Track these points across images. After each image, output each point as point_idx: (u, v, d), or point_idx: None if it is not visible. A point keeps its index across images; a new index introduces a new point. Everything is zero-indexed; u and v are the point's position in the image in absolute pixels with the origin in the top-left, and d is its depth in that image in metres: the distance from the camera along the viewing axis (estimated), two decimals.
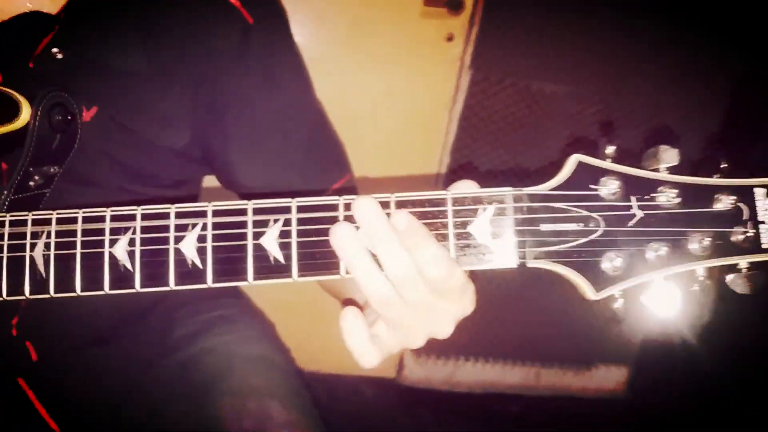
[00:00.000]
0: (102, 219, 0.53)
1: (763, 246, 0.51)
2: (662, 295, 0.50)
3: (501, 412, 2.04)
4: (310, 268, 0.50)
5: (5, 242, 0.56)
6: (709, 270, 0.51)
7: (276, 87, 0.77)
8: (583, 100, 1.81)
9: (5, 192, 0.62)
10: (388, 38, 1.68)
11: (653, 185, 0.49)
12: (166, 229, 0.52)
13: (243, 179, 0.80)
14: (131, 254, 0.52)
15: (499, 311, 1.97)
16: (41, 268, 0.55)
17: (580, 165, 0.49)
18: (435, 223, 0.49)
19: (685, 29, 1.78)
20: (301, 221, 0.50)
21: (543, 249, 0.48)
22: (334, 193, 0.53)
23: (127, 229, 0.52)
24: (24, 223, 0.56)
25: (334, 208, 0.50)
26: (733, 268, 0.52)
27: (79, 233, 0.54)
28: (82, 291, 0.54)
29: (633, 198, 0.49)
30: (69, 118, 0.63)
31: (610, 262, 0.49)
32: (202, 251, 0.51)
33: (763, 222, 0.51)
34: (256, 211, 0.51)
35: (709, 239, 0.49)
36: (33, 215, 0.56)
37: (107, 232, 0.53)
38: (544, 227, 0.48)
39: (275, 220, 0.51)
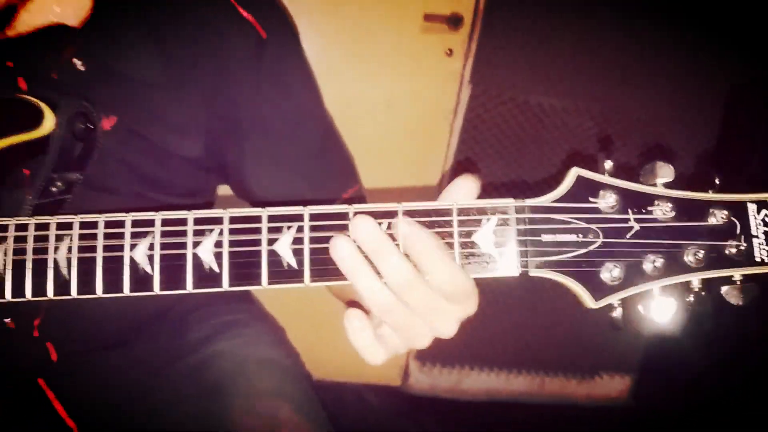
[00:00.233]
0: (122, 224, 0.55)
1: (756, 259, 0.52)
2: (659, 304, 0.52)
3: (506, 420, 2.05)
4: (322, 273, 0.52)
5: (29, 245, 0.58)
6: (704, 281, 0.53)
7: (287, 99, 0.80)
8: (581, 114, 1.83)
9: (30, 197, 0.64)
10: (389, 53, 1.70)
11: (650, 199, 0.51)
12: (184, 234, 0.53)
13: (254, 188, 0.81)
14: (150, 258, 0.54)
15: (504, 321, 1.98)
16: (64, 270, 0.57)
17: (580, 178, 0.51)
18: (441, 232, 0.50)
19: (682, 42, 1.80)
20: (313, 228, 0.52)
21: (544, 259, 0.50)
22: (344, 203, 0.55)
23: (146, 234, 0.54)
24: (47, 227, 0.57)
25: (344, 216, 0.52)
26: (727, 280, 0.53)
27: (100, 237, 0.55)
28: (103, 293, 0.55)
29: (630, 211, 0.50)
30: (90, 126, 0.65)
31: (609, 272, 0.50)
32: (218, 256, 0.53)
33: (756, 236, 0.52)
34: (271, 219, 0.53)
35: (704, 252, 0.51)
36: (57, 219, 0.57)
37: (128, 236, 0.55)
38: (546, 238, 0.50)
39: (289, 227, 0.52)
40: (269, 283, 0.52)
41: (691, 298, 0.53)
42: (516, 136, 1.84)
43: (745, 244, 0.51)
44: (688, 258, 0.51)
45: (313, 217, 0.52)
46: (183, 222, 0.54)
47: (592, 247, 0.50)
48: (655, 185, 0.52)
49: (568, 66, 1.78)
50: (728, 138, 1.86)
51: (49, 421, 0.79)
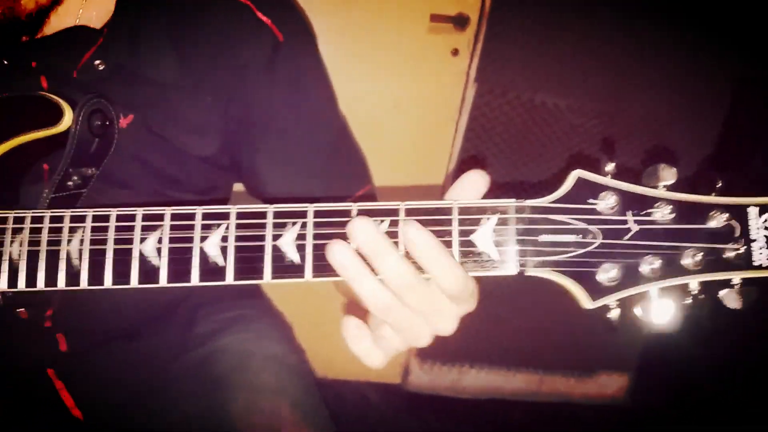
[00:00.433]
0: (133, 218, 0.56)
1: (755, 263, 0.52)
2: (656, 306, 0.52)
3: (505, 417, 2.06)
4: (323, 269, 0.52)
5: (44, 236, 0.59)
6: (702, 284, 0.52)
7: (302, 100, 0.81)
8: (584, 113, 1.84)
9: (46, 190, 0.65)
10: (395, 52, 1.71)
11: (650, 201, 0.51)
12: (192, 228, 0.54)
13: (268, 187, 0.82)
14: (159, 251, 0.55)
15: (503, 320, 2.00)
16: (76, 261, 0.58)
17: (580, 180, 0.51)
18: (441, 230, 0.51)
19: (683, 42, 1.78)
20: (316, 225, 0.53)
21: (542, 258, 0.50)
22: (355, 201, 0.55)
23: (156, 228, 0.55)
24: (62, 219, 0.59)
25: (347, 214, 0.52)
26: (726, 284, 0.53)
27: (111, 230, 0.57)
28: (112, 284, 0.57)
29: (629, 213, 0.50)
30: (107, 123, 0.66)
31: (606, 273, 0.50)
32: (224, 250, 0.53)
33: (755, 240, 0.52)
34: (276, 215, 0.53)
35: (702, 255, 0.51)
36: (71, 212, 0.59)
37: (138, 230, 0.56)
38: (544, 238, 0.50)
39: (293, 224, 0.53)
40: (273, 278, 0.53)
41: (689, 300, 0.53)
42: (521, 135, 1.84)
43: (744, 248, 0.51)
44: (687, 261, 0.51)
45: (317, 214, 0.53)
46: (191, 217, 0.55)
47: (590, 248, 0.50)
48: (656, 188, 0.52)
49: (573, 66, 1.78)
50: (729, 138, 1.86)
51: (56, 410, 0.81)
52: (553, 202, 0.51)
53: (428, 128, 1.82)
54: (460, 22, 1.69)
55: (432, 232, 0.50)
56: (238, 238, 0.54)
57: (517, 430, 2.03)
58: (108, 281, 0.56)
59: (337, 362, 1.60)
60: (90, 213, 0.58)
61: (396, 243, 0.50)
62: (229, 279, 0.54)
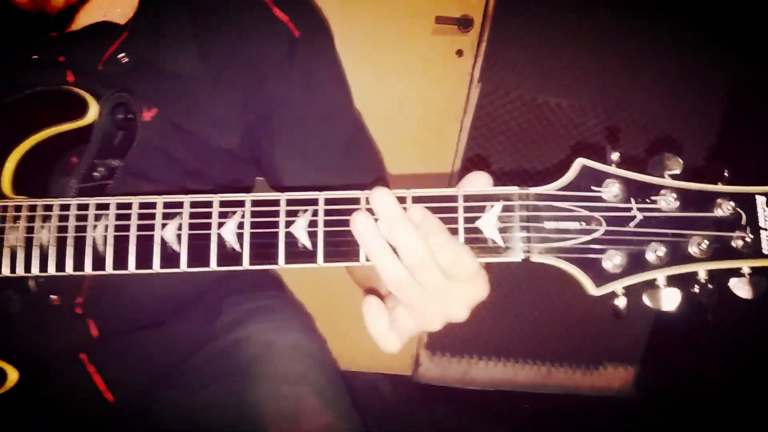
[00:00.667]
0: (154, 206, 0.58)
1: (764, 251, 0.52)
2: (664, 294, 0.52)
3: (513, 408, 2.08)
4: (334, 254, 0.54)
5: (71, 224, 0.62)
6: (710, 273, 0.52)
7: (318, 95, 0.82)
8: (585, 112, 1.88)
9: (73, 181, 0.68)
10: (401, 54, 1.74)
11: (654, 189, 0.51)
12: (210, 216, 0.56)
13: (285, 180, 0.84)
14: (179, 237, 0.57)
15: (511, 313, 2.05)
16: (101, 247, 0.60)
17: (585, 168, 0.51)
18: (447, 218, 0.52)
19: (683, 43, 1.81)
20: (327, 212, 0.54)
21: (547, 245, 0.51)
22: None
23: (176, 215, 0.57)
24: (87, 207, 0.61)
25: (356, 201, 0.54)
26: (735, 273, 0.52)
27: (134, 218, 0.59)
28: (135, 268, 0.59)
29: (633, 200, 0.50)
30: (130, 116, 0.68)
31: (611, 260, 0.51)
32: (240, 237, 0.55)
33: (764, 228, 0.51)
34: (288, 203, 0.55)
35: (708, 242, 0.51)
36: (96, 201, 0.61)
37: (159, 217, 0.58)
38: (549, 225, 0.51)
39: (304, 211, 0.55)
40: (286, 263, 0.55)
41: (697, 289, 0.52)
42: (524, 134, 1.88)
43: (752, 236, 0.51)
44: (693, 248, 0.51)
45: (328, 201, 0.54)
46: (209, 204, 0.57)
47: (594, 235, 0.51)
48: (662, 177, 0.52)
49: (574, 66, 1.82)
50: (728, 138, 1.86)
51: (89, 393, 0.83)
52: (558, 189, 0.51)
53: (433, 127, 1.85)
54: (464, 23, 1.71)
55: (439, 219, 0.51)
56: (253, 225, 0.55)
57: (525, 420, 2.05)
58: (131, 266, 0.59)
59: (350, 354, 1.63)
60: (113, 201, 0.60)
61: None
62: (245, 264, 0.55)
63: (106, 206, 0.60)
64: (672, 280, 0.52)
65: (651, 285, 0.52)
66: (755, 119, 1.81)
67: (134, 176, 0.75)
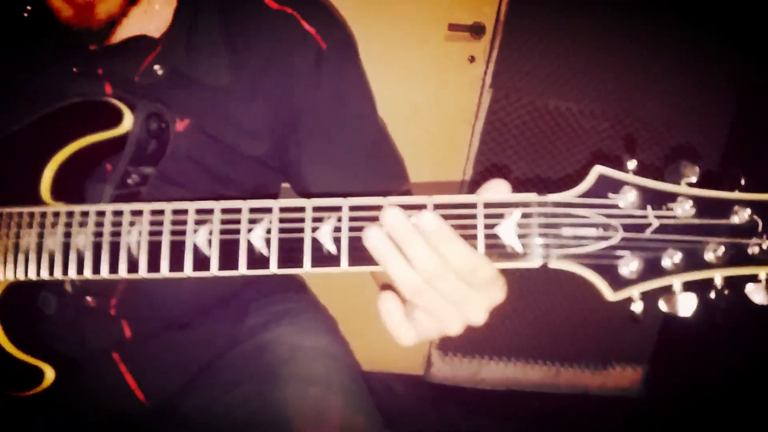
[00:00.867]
0: (186, 212, 0.61)
1: None
2: (680, 300, 0.52)
3: (523, 407, 2.09)
4: (358, 259, 0.55)
5: (106, 229, 0.64)
6: (726, 279, 0.53)
7: (344, 104, 0.84)
8: (596, 116, 1.89)
9: (108, 187, 0.71)
10: (415, 60, 1.77)
11: (671, 197, 0.52)
12: (239, 222, 0.58)
13: (312, 187, 0.86)
14: (210, 242, 0.59)
15: (521, 314, 2.07)
16: (135, 252, 0.62)
17: (601, 176, 0.52)
18: (467, 224, 0.53)
19: (692, 47, 1.82)
20: (351, 219, 0.56)
21: (565, 251, 0.52)
22: None
23: (207, 221, 0.59)
24: (122, 213, 0.64)
25: (380, 208, 0.55)
26: (752, 279, 0.53)
27: (167, 223, 0.61)
28: (168, 272, 0.61)
29: (650, 207, 0.51)
30: (163, 126, 0.71)
31: (627, 266, 0.52)
32: (268, 242, 0.57)
33: None
34: (314, 209, 0.57)
35: (724, 249, 0.51)
36: (130, 207, 0.63)
37: (191, 223, 0.60)
38: (567, 231, 0.52)
39: (329, 217, 0.56)
40: (311, 267, 0.56)
41: (713, 295, 0.53)
42: (535, 138, 1.90)
43: None
44: (709, 255, 0.51)
45: (352, 208, 0.56)
46: (239, 211, 0.59)
47: (612, 241, 0.51)
48: (678, 184, 0.52)
49: (584, 71, 1.83)
50: (737, 141, 1.84)
51: (122, 393, 0.86)
52: (575, 197, 0.52)
53: (446, 132, 1.87)
54: (476, 30, 1.74)
55: (458, 226, 0.53)
56: (281, 231, 0.57)
57: (534, 420, 2.07)
58: (164, 269, 0.61)
59: (363, 354, 1.64)
60: (147, 207, 0.63)
61: None
62: (273, 268, 0.57)
63: (140, 212, 0.63)
64: (688, 286, 0.53)
65: (667, 290, 0.53)
66: (765, 124, 1.80)
67: (166, 183, 0.78)
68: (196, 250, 0.60)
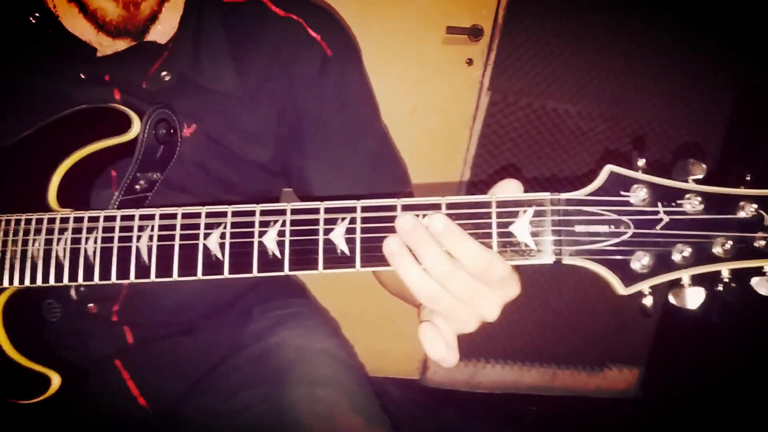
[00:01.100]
0: (198, 215, 0.60)
1: None
2: (689, 293, 0.53)
3: (520, 410, 2.10)
4: (371, 259, 0.55)
5: (116, 234, 0.63)
6: (733, 272, 0.53)
7: (348, 109, 0.85)
8: (593, 118, 1.90)
9: (116, 193, 0.70)
10: (414, 63, 1.77)
11: (680, 194, 0.52)
12: (251, 225, 0.58)
13: (316, 191, 0.86)
14: (222, 246, 0.58)
15: (516, 317, 2.06)
16: (145, 256, 0.62)
17: (612, 174, 0.53)
18: (481, 223, 0.53)
19: (689, 49, 1.84)
20: (364, 220, 0.56)
21: (577, 248, 0.52)
22: None
23: (219, 225, 0.59)
24: (132, 218, 0.63)
25: (392, 209, 0.55)
26: (758, 272, 0.53)
27: (178, 227, 0.61)
28: (178, 276, 0.60)
29: (660, 204, 0.52)
30: (171, 132, 0.70)
31: (639, 261, 0.52)
32: (281, 244, 0.57)
33: None
34: (327, 211, 0.57)
35: (732, 243, 0.52)
36: (140, 212, 0.63)
37: (202, 226, 0.59)
38: (579, 228, 0.52)
39: (342, 219, 0.56)
40: (324, 268, 0.56)
41: (720, 287, 0.53)
42: (533, 140, 1.90)
43: None
44: (717, 249, 0.52)
45: (364, 209, 0.56)
46: (251, 214, 0.58)
47: (623, 237, 0.52)
48: (686, 181, 0.53)
49: (581, 73, 1.85)
50: (735, 141, 1.89)
51: (124, 399, 0.85)
52: (587, 195, 0.52)
53: (444, 135, 1.87)
54: (474, 33, 1.75)
55: (472, 225, 0.53)
56: (293, 233, 0.57)
57: (531, 422, 2.07)
58: (175, 273, 0.60)
59: (360, 359, 1.64)
60: (157, 212, 0.62)
61: None
62: (286, 269, 0.57)
63: (150, 217, 0.62)
64: (696, 279, 0.53)
65: (676, 284, 0.53)
66: (760, 123, 1.83)
67: (171, 188, 0.77)
68: (208, 253, 0.59)
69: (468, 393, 2.14)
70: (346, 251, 0.56)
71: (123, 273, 0.63)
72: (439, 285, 0.52)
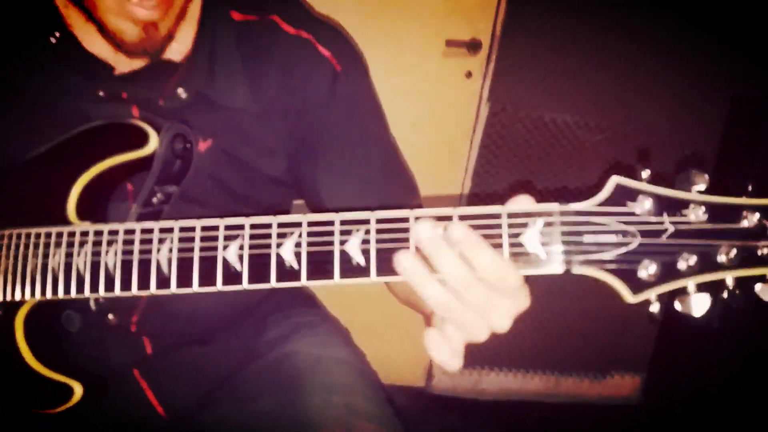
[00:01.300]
0: (216, 228, 0.62)
1: None
2: (694, 300, 0.54)
3: (523, 417, 2.10)
4: (386, 270, 0.57)
5: (136, 246, 0.65)
6: (737, 280, 0.55)
7: (357, 123, 0.87)
8: (591, 128, 1.92)
9: (135, 205, 0.72)
10: (413, 76, 1.79)
11: (684, 204, 0.54)
12: (269, 236, 0.59)
13: (327, 203, 0.88)
14: (240, 257, 0.60)
15: (520, 325, 2.03)
16: (165, 268, 0.63)
17: (618, 186, 0.54)
18: (492, 234, 0.54)
19: (685, 58, 1.85)
20: (378, 231, 0.57)
21: (586, 257, 0.54)
22: None
23: (237, 237, 0.60)
24: (151, 231, 0.64)
25: (405, 221, 0.57)
26: (762, 279, 0.55)
27: (197, 240, 0.62)
28: (198, 287, 0.62)
29: (665, 214, 0.53)
30: (187, 146, 0.72)
31: (646, 269, 0.53)
32: (298, 255, 0.58)
33: None
34: (342, 223, 0.58)
35: (736, 251, 0.53)
36: (159, 225, 0.64)
37: (221, 238, 0.61)
38: (587, 238, 0.54)
39: (357, 230, 0.57)
40: (341, 278, 0.58)
41: (725, 295, 0.55)
42: (532, 151, 1.92)
43: None
44: (721, 257, 0.53)
45: (379, 221, 0.57)
46: (268, 226, 0.60)
47: (630, 247, 0.53)
48: (689, 191, 0.54)
49: (580, 84, 1.87)
50: (730, 149, 1.90)
51: (143, 408, 0.86)
52: (595, 205, 0.54)
53: (444, 146, 1.89)
54: (473, 46, 1.77)
55: (483, 236, 0.54)
56: (310, 244, 0.58)
57: (535, 429, 2.07)
58: (195, 285, 0.61)
59: None
60: (177, 225, 0.63)
61: None
62: (303, 280, 0.58)
63: (169, 229, 0.63)
64: (702, 287, 0.55)
65: (682, 292, 0.55)
66: (754, 133, 1.85)
67: (187, 202, 0.79)
68: (227, 265, 0.60)
69: (472, 400, 2.15)
70: (362, 262, 0.57)
71: (144, 284, 0.64)
72: (455, 294, 0.53)
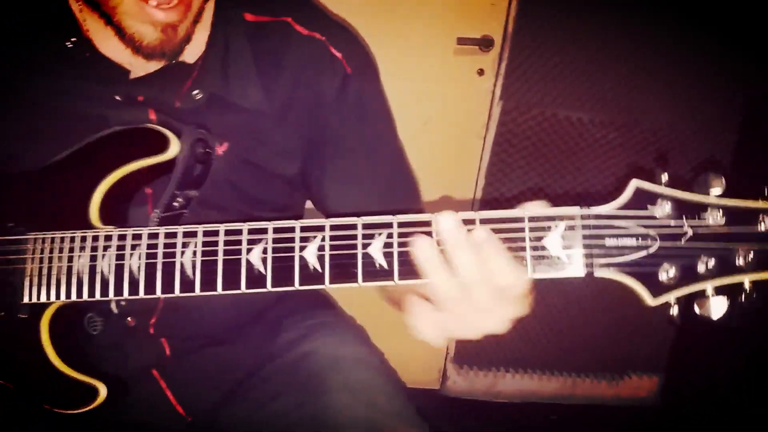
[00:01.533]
0: (240, 232, 0.62)
1: None
2: (713, 303, 0.55)
3: (539, 420, 2.08)
4: (408, 273, 0.58)
5: (160, 250, 0.66)
6: (754, 283, 0.55)
7: (366, 126, 0.87)
8: (605, 126, 1.89)
9: (157, 210, 0.72)
10: (425, 74, 1.78)
11: (702, 207, 0.54)
12: (292, 240, 0.60)
13: (333, 204, 0.88)
14: (264, 260, 0.61)
15: (536, 326, 2.04)
16: (189, 271, 0.64)
17: (638, 189, 0.55)
18: (514, 237, 0.55)
19: (700, 57, 1.82)
20: (401, 235, 0.58)
21: (607, 260, 0.54)
22: None
23: (260, 240, 0.61)
24: (175, 235, 0.65)
25: (428, 224, 0.57)
26: None
27: (221, 243, 0.63)
28: (222, 290, 0.62)
29: (684, 218, 0.54)
30: (208, 150, 0.73)
31: (666, 272, 0.54)
32: (321, 258, 0.59)
33: None
34: (365, 226, 0.59)
35: (754, 255, 0.54)
36: (183, 228, 0.65)
37: (244, 242, 0.62)
38: (609, 242, 0.54)
39: (380, 234, 0.58)
40: (364, 281, 0.58)
41: (743, 297, 0.56)
42: (546, 149, 1.90)
43: None
44: (739, 260, 0.54)
45: (401, 224, 0.58)
46: (291, 230, 0.61)
47: (650, 250, 0.54)
48: (707, 195, 0.55)
49: (593, 81, 1.84)
50: (746, 148, 1.87)
51: (164, 407, 0.87)
52: (615, 209, 0.55)
53: (457, 145, 1.88)
54: (485, 44, 1.76)
55: (506, 239, 0.55)
56: (333, 247, 0.59)
57: (552, 431, 2.05)
58: (220, 287, 0.62)
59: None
60: (200, 228, 0.64)
61: None
62: (326, 283, 0.59)
63: (193, 233, 0.64)
64: (720, 290, 0.55)
65: (701, 294, 0.56)
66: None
67: (203, 206, 0.79)
68: (251, 268, 0.61)
69: (488, 402, 2.12)
70: (384, 265, 0.58)
71: (168, 287, 0.65)
72: (462, 290, 0.54)
